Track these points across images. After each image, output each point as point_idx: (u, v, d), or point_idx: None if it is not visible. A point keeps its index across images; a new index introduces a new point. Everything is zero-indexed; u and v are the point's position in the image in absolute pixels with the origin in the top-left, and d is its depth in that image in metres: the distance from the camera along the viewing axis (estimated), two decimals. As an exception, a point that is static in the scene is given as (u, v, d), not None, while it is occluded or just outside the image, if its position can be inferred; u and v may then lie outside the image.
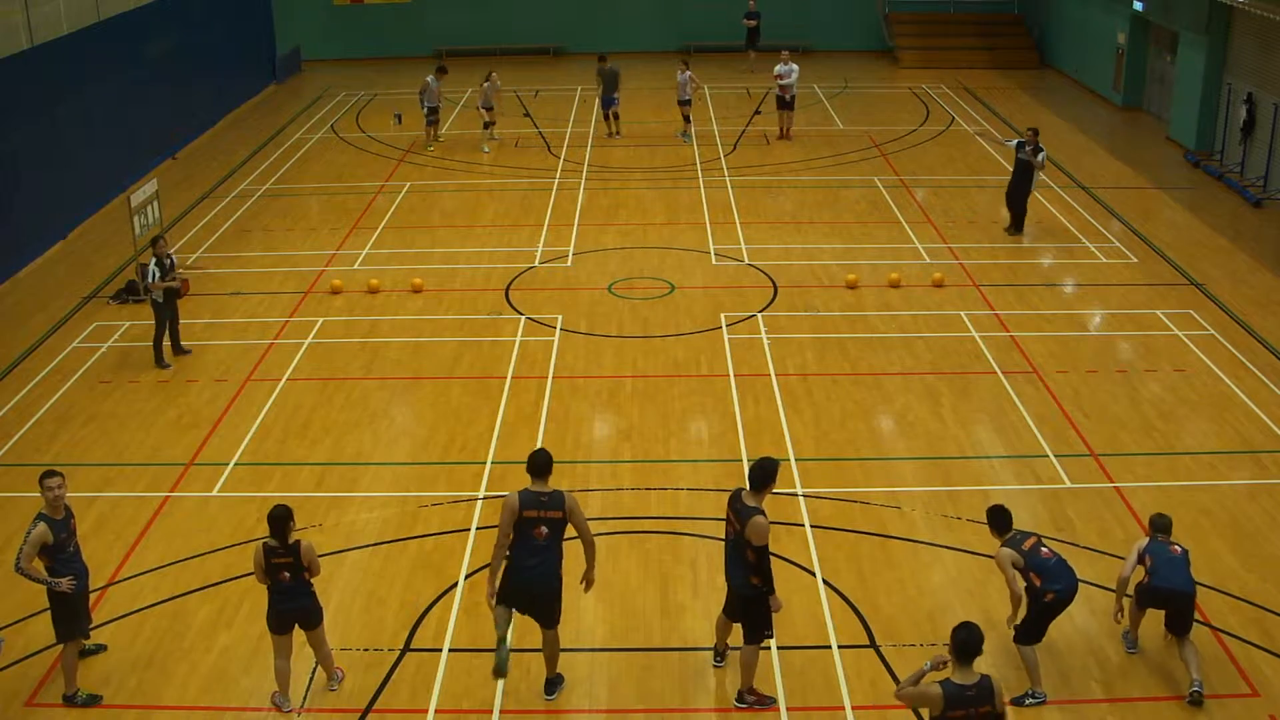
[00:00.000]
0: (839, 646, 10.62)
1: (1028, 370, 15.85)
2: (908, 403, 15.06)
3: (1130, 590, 10.29)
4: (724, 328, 17.26)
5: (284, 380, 15.91)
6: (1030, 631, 9.97)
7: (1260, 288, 18.69)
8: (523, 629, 10.49)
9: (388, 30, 37.23)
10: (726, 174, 24.84)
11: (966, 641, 7.87)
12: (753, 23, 34.67)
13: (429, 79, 26.66)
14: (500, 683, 10.03)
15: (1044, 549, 9.97)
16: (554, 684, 10.07)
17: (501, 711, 9.93)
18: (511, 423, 14.67)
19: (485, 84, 26.58)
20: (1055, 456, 13.75)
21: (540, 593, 9.70)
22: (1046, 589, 9.79)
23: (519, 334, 17.17)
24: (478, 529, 12.43)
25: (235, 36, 31.90)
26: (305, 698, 10.06)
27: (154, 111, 26.01)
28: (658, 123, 29.04)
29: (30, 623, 10.96)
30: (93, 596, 10.80)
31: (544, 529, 9.56)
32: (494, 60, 35.51)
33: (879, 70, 35.44)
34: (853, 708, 9.89)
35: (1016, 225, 20.99)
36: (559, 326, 17.39)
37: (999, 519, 10.11)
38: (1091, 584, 11.20)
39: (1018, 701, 9.78)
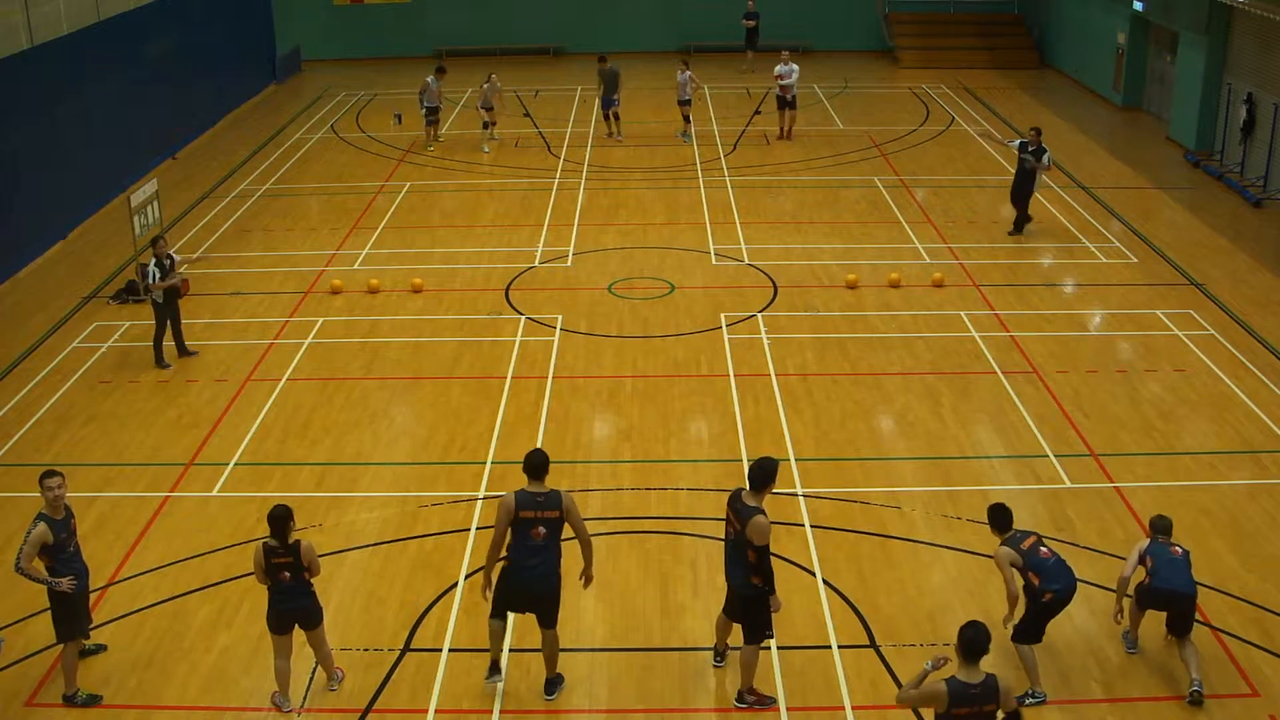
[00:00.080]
0: (839, 646, 10.62)
1: (1028, 370, 15.85)
2: (908, 403, 15.06)
3: (1130, 591, 10.30)
4: (724, 328, 17.26)
5: (284, 380, 15.91)
6: (1029, 631, 9.98)
7: (1260, 288, 18.69)
8: (523, 629, 10.50)
9: (388, 30, 37.23)
10: (726, 174, 24.84)
11: (973, 640, 7.87)
12: (751, 23, 34.66)
13: (429, 79, 26.67)
14: (500, 683, 10.03)
15: (1043, 549, 9.97)
16: (554, 684, 10.07)
17: (501, 711, 9.94)
18: (511, 423, 14.67)
19: (485, 85, 26.59)
20: (1055, 456, 13.75)
21: (541, 592, 9.73)
22: (1045, 589, 9.80)
23: (519, 334, 17.18)
24: (478, 529, 12.43)
25: (235, 36, 31.90)
26: (305, 698, 10.06)
27: (154, 111, 26.02)
28: (658, 123, 29.05)
29: (30, 623, 10.96)
30: (93, 596, 10.80)
31: (541, 529, 9.58)
32: (494, 60, 35.53)
33: (879, 70, 35.44)
34: (853, 708, 9.89)
35: (1017, 225, 20.99)
36: (559, 326, 17.39)
37: (999, 517, 10.11)
38: (1091, 584, 11.20)
39: (1018, 701, 9.77)
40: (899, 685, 9.99)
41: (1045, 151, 20.50)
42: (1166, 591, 9.98)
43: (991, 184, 23.85)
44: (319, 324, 17.62)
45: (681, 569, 11.78)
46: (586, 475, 13.49)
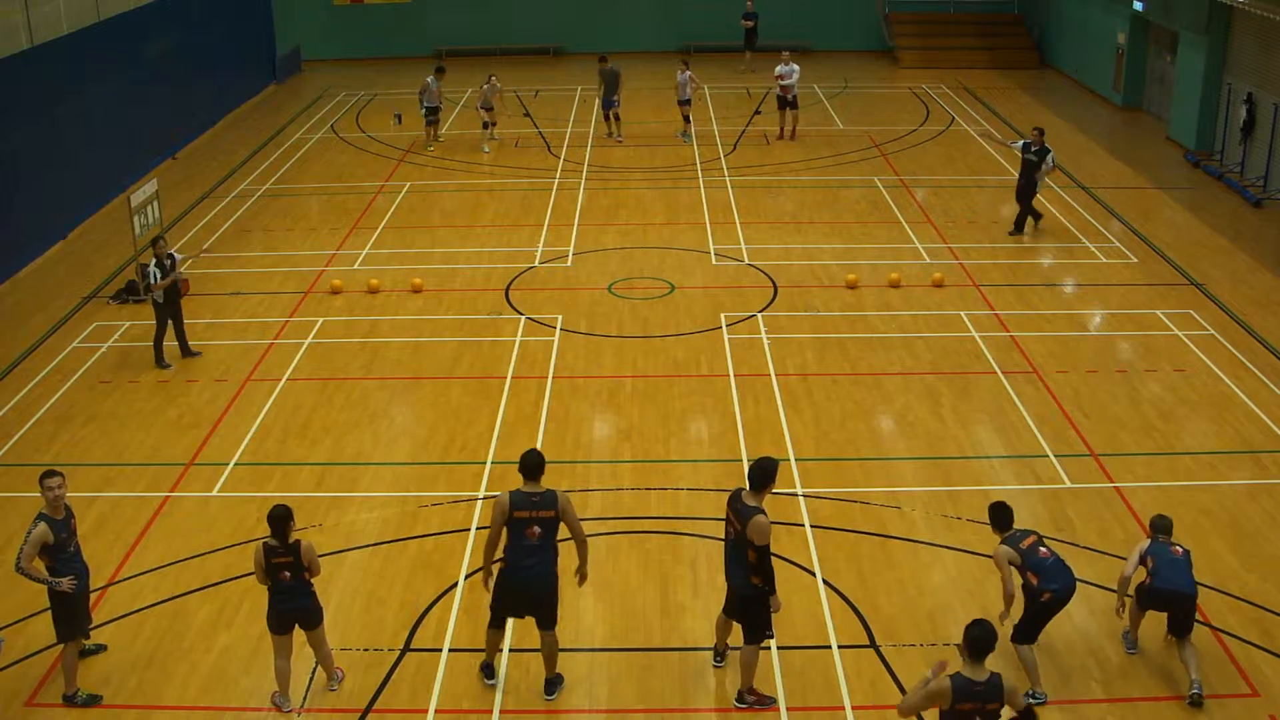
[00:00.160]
0: (839, 646, 10.62)
1: (1028, 370, 15.85)
2: (908, 403, 15.06)
3: (1131, 591, 10.30)
4: (724, 328, 17.26)
5: (284, 380, 15.91)
6: (1027, 631, 9.98)
7: (1260, 288, 18.69)
8: (522, 629, 10.50)
9: (388, 30, 37.23)
10: (726, 174, 24.84)
11: (979, 638, 7.86)
12: (750, 23, 34.66)
13: (429, 79, 26.67)
14: (499, 683, 10.03)
15: (1042, 548, 9.97)
16: (554, 684, 10.07)
17: (501, 711, 9.94)
18: (511, 423, 14.67)
19: (485, 85, 26.59)
20: (1055, 456, 13.75)
21: (538, 592, 9.74)
22: (1044, 588, 9.80)
23: (519, 334, 17.18)
24: (478, 529, 12.43)
25: (235, 36, 31.90)
26: (305, 698, 10.06)
27: (154, 111, 26.02)
28: (658, 123, 29.04)
29: (30, 623, 10.96)
30: (93, 596, 10.79)
31: (537, 529, 9.60)
32: (494, 60, 35.53)
33: (879, 70, 35.44)
34: (853, 708, 9.89)
35: (1018, 224, 21.00)
36: (559, 326, 17.39)
37: (1000, 516, 10.12)
38: (1091, 584, 11.21)
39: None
40: (899, 685, 10.00)
41: (1049, 152, 20.48)
42: (1167, 591, 9.98)
43: (991, 184, 23.85)
44: (319, 324, 17.62)
45: (681, 569, 11.78)
46: (586, 475, 13.49)
